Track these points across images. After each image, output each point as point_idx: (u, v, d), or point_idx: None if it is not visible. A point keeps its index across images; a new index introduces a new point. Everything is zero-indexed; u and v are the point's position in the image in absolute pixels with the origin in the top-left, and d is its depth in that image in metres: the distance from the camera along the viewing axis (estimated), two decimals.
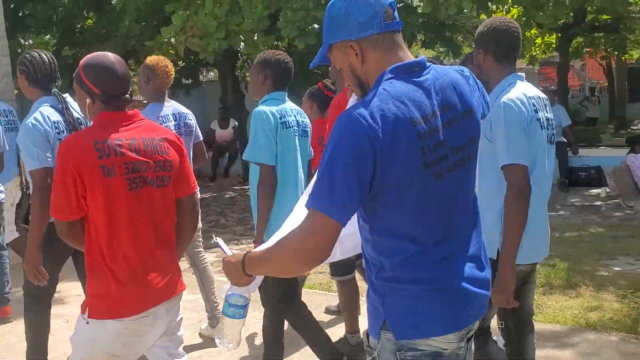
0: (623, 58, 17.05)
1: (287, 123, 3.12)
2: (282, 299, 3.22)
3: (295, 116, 3.21)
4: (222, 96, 12.83)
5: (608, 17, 13.99)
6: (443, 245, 1.59)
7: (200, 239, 4.26)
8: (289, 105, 3.24)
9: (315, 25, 8.93)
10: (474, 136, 1.65)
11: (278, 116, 3.07)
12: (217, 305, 4.01)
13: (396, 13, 1.62)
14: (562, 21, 11.32)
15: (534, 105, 2.43)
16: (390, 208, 1.54)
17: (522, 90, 2.42)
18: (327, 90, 4.68)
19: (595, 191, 8.27)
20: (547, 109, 2.55)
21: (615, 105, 18.39)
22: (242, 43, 9.50)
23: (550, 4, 8.09)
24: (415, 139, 1.49)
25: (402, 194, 1.52)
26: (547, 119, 2.51)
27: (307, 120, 3.38)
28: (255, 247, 2.97)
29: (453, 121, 1.58)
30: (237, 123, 11.54)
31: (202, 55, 9.24)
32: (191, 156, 3.89)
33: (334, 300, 4.45)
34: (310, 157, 3.41)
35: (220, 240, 1.97)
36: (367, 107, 1.49)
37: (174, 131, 3.72)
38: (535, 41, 15.70)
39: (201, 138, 4.15)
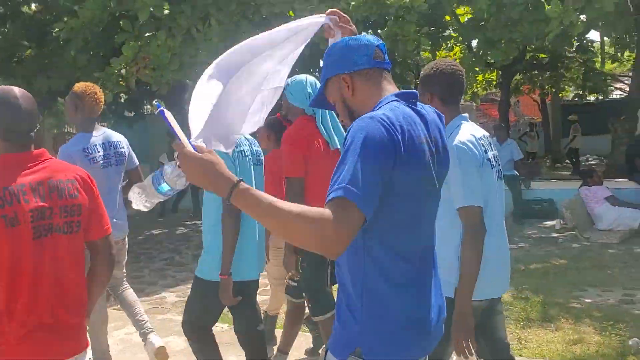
0: (560, 95, 17.84)
1: (242, 152, 3.06)
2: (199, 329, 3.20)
3: (249, 145, 3.16)
4: (168, 129, 12.49)
5: (545, 55, 14.67)
6: (425, 269, 1.73)
7: (124, 279, 4.15)
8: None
9: None
10: (445, 172, 1.81)
11: (234, 146, 2.92)
12: (145, 323, 3.92)
13: (386, 55, 1.82)
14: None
15: (483, 145, 2.49)
16: (391, 215, 1.61)
17: (471, 132, 2.48)
18: (286, 121, 4.60)
19: (549, 223, 8.43)
20: (492, 146, 2.63)
21: (552, 141, 19.16)
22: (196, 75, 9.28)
23: (502, 42, 8.33)
24: (421, 155, 1.64)
25: (404, 202, 1.62)
26: (495, 157, 2.59)
27: (260, 150, 3.32)
28: (222, 279, 2.95)
29: (437, 152, 1.73)
30: None
31: (155, 87, 8.98)
32: (116, 186, 3.85)
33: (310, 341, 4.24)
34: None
35: (166, 113, 1.66)
36: (385, 114, 1.60)
37: (102, 162, 3.72)
38: (477, 78, 16.22)
39: (137, 164, 4.03)
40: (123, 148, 3.90)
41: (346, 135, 1.62)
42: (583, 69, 14.20)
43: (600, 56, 14.37)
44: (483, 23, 8.59)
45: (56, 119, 17.42)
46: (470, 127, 2.52)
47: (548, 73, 15.20)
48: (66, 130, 18.52)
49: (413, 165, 1.61)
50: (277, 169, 3.71)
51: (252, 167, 3.11)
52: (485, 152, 2.50)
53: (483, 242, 2.34)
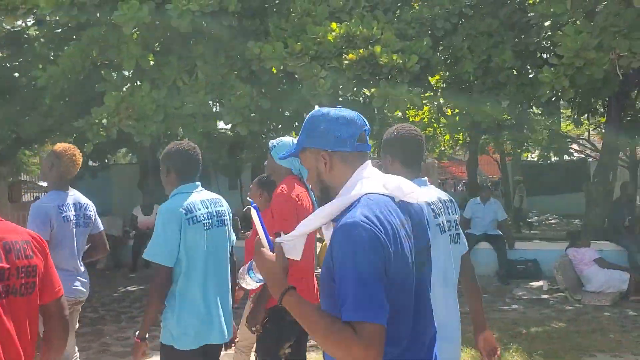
0: (525, 156, 18.34)
1: (194, 218, 3.03)
2: None
3: (208, 207, 3.14)
4: (140, 180, 12.16)
5: (509, 117, 15.09)
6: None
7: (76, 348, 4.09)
8: (203, 196, 3.15)
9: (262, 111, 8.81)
10: (427, 243, 1.90)
11: (184, 212, 3.01)
12: None
13: (367, 138, 1.92)
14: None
15: (433, 211, 2.56)
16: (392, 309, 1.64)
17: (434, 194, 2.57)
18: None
19: (535, 284, 8.45)
20: (449, 210, 2.70)
21: (512, 201, 19.55)
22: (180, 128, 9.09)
23: (488, 104, 8.50)
24: (404, 243, 1.71)
25: (399, 293, 1.68)
26: (449, 221, 2.66)
27: (225, 208, 3.28)
28: (136, 342, 3.02)
29: (413, 229, 1.80)
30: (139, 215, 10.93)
31: (138, 139, 8.72)
32: (82, 248, 3.99)
33: None
34: (233, 243, 3.34)
35: (255, 210, 1.94)
36: (363, 214, 1.67)
37: (74, 222, 3.86)
38: (445, 137, 16.53)
39: (101, 229, 4.18)
40: (91, 212, 4.04)
41: (332, 245, 1.69)
42: (547, 131, 14.66)
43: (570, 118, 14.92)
44: (468, 84, 8.74)
45: (12, 168, 16.72)
46: (427, 191, 2.56)
47: (512, 134, 15.62)
48: (22, 179, 17.87)
49: (400, 256, 1.68)
50: (267, 226, 3.61)
51: (206, 232, 3.09)
52: (435, 217, 2.56)
53: None
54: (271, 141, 3.64)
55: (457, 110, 10.62)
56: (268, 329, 3.28)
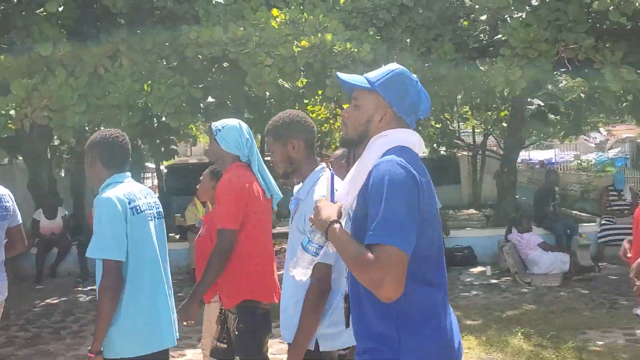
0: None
1: (137, 208, 2.79)
2: None
3: (146, 197, 2.90)
4: (30, 180, 10.73)
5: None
6: (446, 296, 1.90)
7: None
8: (136, 186, 2.89)
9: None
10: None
11: (126, 201, 2.74)
12: None
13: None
14: None
15: None
16: (418, 247, 1.72)
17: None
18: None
19: (475, 270, 8.70)
20: None
21: None
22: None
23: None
24: (432, 189, 1.84)
25: (429, 234, 1.77)
26: None
27: (157, 200, 3.03)
28: (91, 357, 2.64)
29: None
30: (67, 212, 9.73)
31: (57, 132, 7.67)
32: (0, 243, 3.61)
33: None
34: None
35: (330, 174, 2.03)
36: (398, 157, 1.78)
37: None
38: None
39: (20, 221, 3.77)
40: (8, 202, 3.68)
41: (369, 179, 1.78)
42: (439, 125, 15.31)
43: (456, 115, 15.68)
44: None
45: None
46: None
47: None
48: None
49: (430, 201, 1.78)
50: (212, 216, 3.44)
51: (150, 223, 2.86)
52: None
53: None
54: (213, 124, 3.27)
55: None
56: (242, 329, 3.02)
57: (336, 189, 2.01)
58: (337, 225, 1.80)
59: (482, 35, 8.68)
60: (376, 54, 7.60)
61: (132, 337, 2.70)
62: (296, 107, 10.54)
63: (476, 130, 17.89)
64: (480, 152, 17.54)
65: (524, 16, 7.39)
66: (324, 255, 2.04)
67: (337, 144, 17.68)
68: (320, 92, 9.73)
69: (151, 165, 18.31)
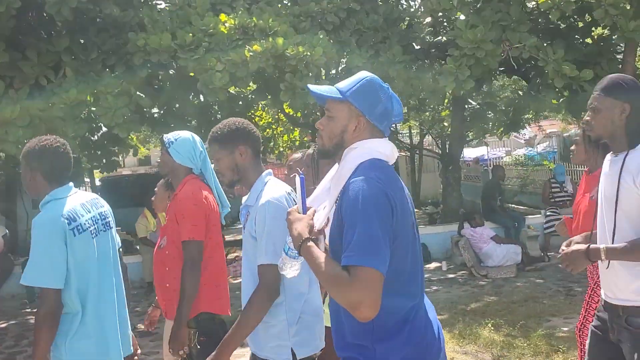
0: None
1: (79, 227, 2.63)
2: None
3: (90, 211, 2.74)
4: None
5: None
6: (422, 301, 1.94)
7: None
8: (81, 198, 2.74)
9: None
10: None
11: (66, 222, 2.57)
12: None
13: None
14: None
15: (293, 200, 2.64)
16: (392, 263, 1.74)
17: (280, 188, 2.56)
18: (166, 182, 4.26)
19: (430, 266, 8.88)
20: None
21: None
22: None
23: None
24: (406, 203, 1.86)
25: (400, 249, 1.78)
26: None
27: (107, 208, 2.94)
28: None
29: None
30: (7, 231, 9.25)
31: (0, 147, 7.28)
32: None
33: None
34: (119, 246, 3.02)
35: (300, 180, 1.93)
36: (373, 172, 1.80)
37: None
38: (283, 138, 16.63)
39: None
40: None
41: (343, 198, 1.79)
42: None
43: None
44: None
45: None
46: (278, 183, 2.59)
47: None
48: None
49: (405, 214, 1.81)
50: (170, 232, 3.26)
51: (94, 240, 2.71)
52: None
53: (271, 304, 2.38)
54: (166, 136, 3.23)
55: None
56: (204, 342, 2.97)
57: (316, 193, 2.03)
58: (309, 244, 1.81)
59: (427, 37, 8.88)
60: (327, 57, 7.66)
61: None
62: (247, 113, 10.47)
63: (413, 131, 18.27)
64: (417, 151, 17.95)
65: (468, 18, 7.63)
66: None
67: (280, 149, 17.65)
68: (269, 97, 9.73)
69: (86, 178, 17.67)
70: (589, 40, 8.90)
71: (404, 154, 19.24)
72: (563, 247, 2.65)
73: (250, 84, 8.77)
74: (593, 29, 8.78)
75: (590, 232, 2.73)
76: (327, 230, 1.96)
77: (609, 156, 2.64)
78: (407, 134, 18.96)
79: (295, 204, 2.36)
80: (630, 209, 2.42)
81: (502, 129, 12.17)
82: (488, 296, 6.94)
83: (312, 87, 1.96)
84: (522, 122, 12.07)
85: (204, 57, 7.39)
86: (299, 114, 14.25)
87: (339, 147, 1.94)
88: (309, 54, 7.35)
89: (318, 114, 14.98)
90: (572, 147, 3.89)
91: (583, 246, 2.53)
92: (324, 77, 8.18)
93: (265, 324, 2.38)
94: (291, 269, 1.98)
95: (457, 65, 7.31)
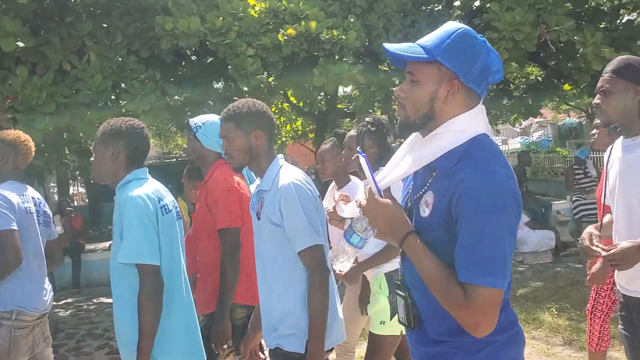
0: None
1: (165, 207, 2.58)
2: None
3: (169, 195, 2.69)
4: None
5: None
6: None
7: None
8: (159, 183, 2.69)
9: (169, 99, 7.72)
10: None
11: (156, 199, 2.53)
12: None
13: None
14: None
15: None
16: None
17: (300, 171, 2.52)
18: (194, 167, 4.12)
19: None
20: None
21: None
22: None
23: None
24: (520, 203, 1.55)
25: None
26: None
27: (48, 210, 3.02)
28: None
29: None
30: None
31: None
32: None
33: None
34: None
35: (364, 159, 1.67)
36: (499, 162, 1.53)
37: (35, 217, 3.18)
38: (286, 127, 16.44)
39: (57, 235, 3.48)
40: (48, 210, 3.42)
41: (463, 191, 1.47)
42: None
43: None
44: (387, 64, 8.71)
45: None
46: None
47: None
48: None
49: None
50: (204, 221, 3.14)
51: (177, 224, 2.65)
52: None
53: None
54: (192, 120, 3.13)
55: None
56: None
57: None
58: (413, 237, 1.55)
59: (458, 21, 8.73)
60: (360, 41, 7.49)
61: (173, 352, 2.49)
62: (272, 101, 10.26)
63: None
64: None
65: (503, 1, 7.50)
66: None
67: (284, 139, 17.45)
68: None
69: None
70: (617, 23, 8.84)
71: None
72: (587, 243, 2.40)
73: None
74: (621, 11, 8.72)
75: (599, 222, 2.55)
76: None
77: (620, 140, 2.48)
78: None
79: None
80: None
81: (515, 115, 12.11)
82: (532, 282, 6.86)
83: (389, 46, 1.63)
84: (539, 109, 11.98)
85: (234, 42, 7.19)
86: (300, 104, 14.08)
87: (428, 119, 1.62)
88: (343, 37, 7.19)
89: (322, 102, 14.86)
90: (593, 131, 3.78)
91: (636, 241, 2.23)
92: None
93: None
94: (344, 262, 1.77)
95: (496, 48, 7.18)
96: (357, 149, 1.88)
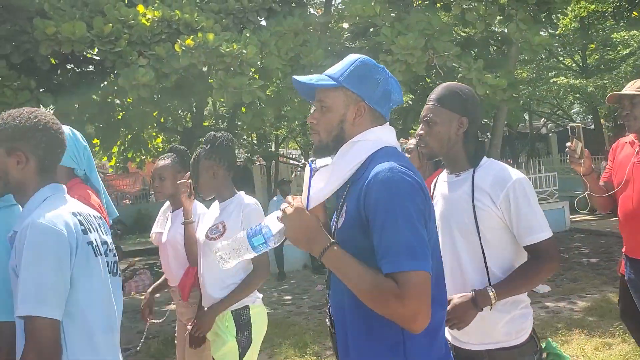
0: None
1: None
2: None
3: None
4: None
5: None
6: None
7: None
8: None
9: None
10: None
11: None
12: None
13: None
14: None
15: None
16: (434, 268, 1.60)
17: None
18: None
19: None
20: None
21: None
22: None
23: (296, 101, 8.56)
24: (429, 197, 1.64)
25: (436, 249, 1.65)
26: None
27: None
28: None
29: None
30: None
31: None
32: None
33: None
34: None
35: (310, 169, 1.69)
36: (398, 163, 1.59)
37: None
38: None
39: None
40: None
41: (369, 195, 1.55)
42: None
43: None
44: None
45: None
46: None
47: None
48: None
49: (432, 208, 1.65)
50: None
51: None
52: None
53: None
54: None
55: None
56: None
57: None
58: (335, 249, 1.56)
59: (346, 43, 8.95)
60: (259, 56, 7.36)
61: None
62: (156, 114, 9.64)
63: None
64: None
65: (393, 25, 7.81)
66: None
67: (142, 157, 16.49)
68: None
69: None
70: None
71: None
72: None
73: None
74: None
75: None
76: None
77: (443, 176, 2.30)
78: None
79: None
80: (492, 236, 2.09)
81: None
82: None
83: (299, 78, 1.72)
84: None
85: (125, 50, 6.69)
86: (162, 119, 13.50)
87: (339, 141, 1.70)
88: (244, 51, 7.00)
89: (188, 118, 14.34)
90: (407, 156, 3.90)
91: (467, 295, 2.06)
92: (257, 76, 7.82)
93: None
94: (229, 259, 1.67)
95: (390, 70, 7.42)
96: (309, 160, 1.74)
